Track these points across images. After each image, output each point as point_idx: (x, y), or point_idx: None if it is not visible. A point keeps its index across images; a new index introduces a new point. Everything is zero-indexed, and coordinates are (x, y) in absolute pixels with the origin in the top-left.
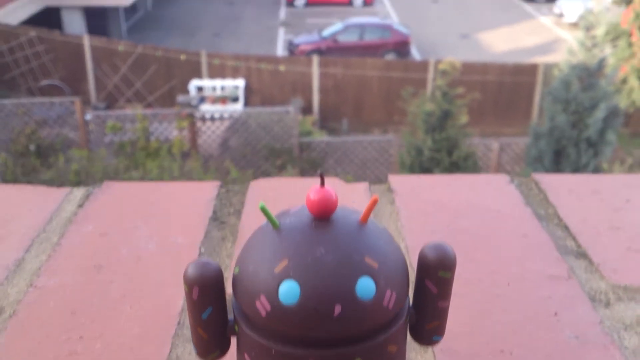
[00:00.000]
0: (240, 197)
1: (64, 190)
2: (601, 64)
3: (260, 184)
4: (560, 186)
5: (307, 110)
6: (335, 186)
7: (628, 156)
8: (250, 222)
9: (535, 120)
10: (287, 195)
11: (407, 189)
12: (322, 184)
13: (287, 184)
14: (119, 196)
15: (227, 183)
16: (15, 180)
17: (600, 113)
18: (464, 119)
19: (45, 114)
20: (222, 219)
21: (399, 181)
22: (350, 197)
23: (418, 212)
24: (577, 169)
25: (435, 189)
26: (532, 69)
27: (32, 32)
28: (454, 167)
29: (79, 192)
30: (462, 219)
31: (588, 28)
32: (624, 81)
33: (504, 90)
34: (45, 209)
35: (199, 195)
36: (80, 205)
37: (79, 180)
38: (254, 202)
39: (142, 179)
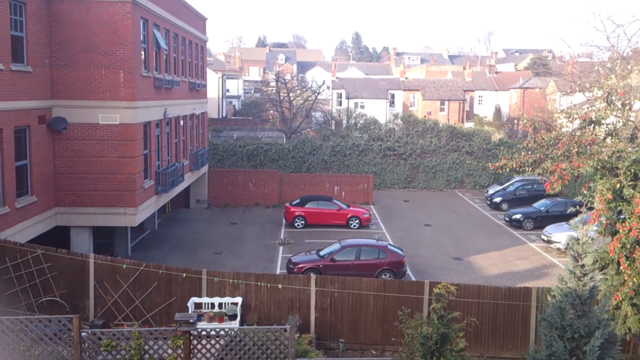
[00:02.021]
0: None
1: None
2: (593, 292)
3: None
4: None
5: (304, 327)
6: None
7: None
8: None
9: (532, 345)
10: None
11: None
12: None
13: None
14: None
15: None
16: None
17: (596, 341)
18: (461, 344)
19: (42, 330)
20: None
21: None
22: None
23: None
24: None
25: None
26: (526, 293)
27: (39, 250)
28: None
29: None
30: None
31: (576, 257)
32: (618, 307)
33: (500, 313)
34: None
35: None
36: None
37: None
38: None
39: None
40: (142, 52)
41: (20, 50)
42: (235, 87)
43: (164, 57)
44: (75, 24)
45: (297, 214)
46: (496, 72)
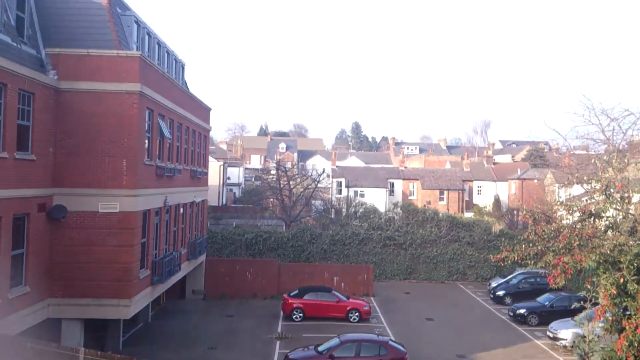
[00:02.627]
0: None
1: None
2: None
3: None
4: None
5: None
6: None
7: None
8: None
9: None
10: None
11: None
12: None
13: None
14: None
15: None
16: None
17: None
18: None
19: None
20: None
21: None
22: None
23: None
24: None
25: None
26: None
27: (29, 344)
28: None
29: None
30: None
31: (583, 357)
32: None
33: None
34: None
35: None
36: None
37: None
38: None
39: None
40: (146, 141)
41: (26, 138)
42: (236, 174)
43: (167, 145)
44: (82, 114)
45: (295, 305)
46: (494, 163)
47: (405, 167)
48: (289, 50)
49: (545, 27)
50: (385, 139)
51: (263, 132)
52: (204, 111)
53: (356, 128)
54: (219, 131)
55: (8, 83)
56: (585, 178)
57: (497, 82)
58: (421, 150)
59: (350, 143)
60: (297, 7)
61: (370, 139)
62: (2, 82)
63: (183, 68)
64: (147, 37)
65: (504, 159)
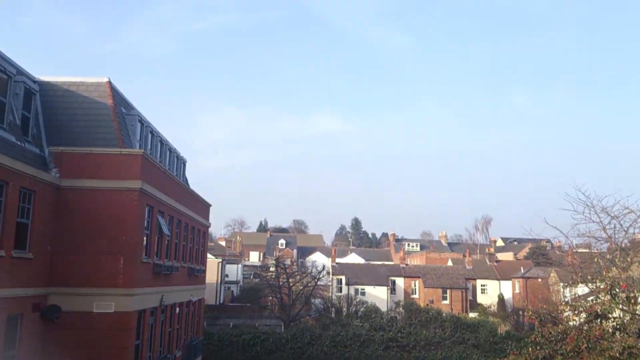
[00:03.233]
0: None
1: None
2: None
3: None
4: None
5: None
6: None
7: None
8: None
9: None
10: None
11: None
12: None
13: None
14: None
15: None
16: None
17: None
18: None
19: None
20: None
21: None
22: None
23: None
24: None
25: None
26: None
27: None
28: None
29: None
30: None
31: None
32: None
33: None
34: None
35: None
36: None
37: None
38: None
39: None
40: (145, 238)
41: (24, 236)
42: (234, 272)
43: (166, 242)
44: (82, 212)
45: None
46: (496, 261)
47: (407, 265)
48: (289, 148)
49: (543, 125)
50: (385, 235)
51: (262, 228)
52: (204, 208)
53: (356, 224)
54: (218, 227)
55: (10, 181)
56: (589, 277)
57: (495, 178)
58: (422, 247)
59: (350, 239)
60: (296, 103)
61: (370, 235)
62: (4, 180)
63: (184, 165)
64: (150, 135)
65: (507, 256)
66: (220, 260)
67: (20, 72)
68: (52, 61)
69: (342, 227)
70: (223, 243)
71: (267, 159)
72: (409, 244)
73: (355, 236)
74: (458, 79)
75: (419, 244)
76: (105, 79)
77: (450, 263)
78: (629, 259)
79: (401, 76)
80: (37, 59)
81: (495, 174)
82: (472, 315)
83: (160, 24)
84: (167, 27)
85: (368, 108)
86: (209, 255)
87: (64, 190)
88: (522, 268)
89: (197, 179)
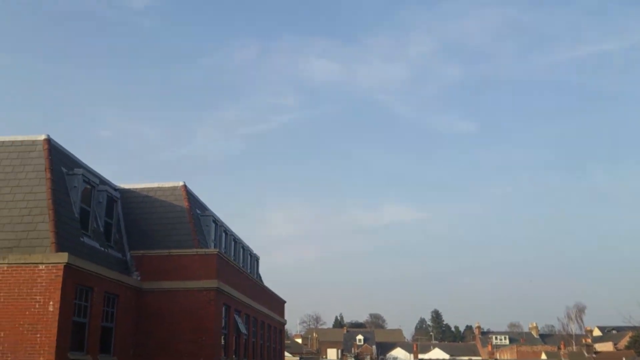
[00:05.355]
0: None
1: None
2: None
3: None
4: None
5: None
6: None
7: None
8: None
9: None
10: None
11: None
12: None
13: None
14: None
15: None
16: None
17: None
18: None
19: None
20: None
21: None
22: None
23: None
24: None
25: None
26: None
27: None
28: None
29: None
30: None
31: None
32: None
33: None
34: None
35: None
36: None
37: None
38: None
39: None
40: (222, 338)
41: (109, 340)
42: None
43: (243, 341)
44: (161, 314)
45: None
46: (595, 352)
47: None
48: (360, 238)
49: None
50: (469, 327)
51: (338, 324)
52: (279, 304)
53: (436, 317)
54: (293, 324)
55: (95, 287)
56: None
57: (585, 262)
58: (511, 340)
59: (431, 333)
60: (364, 193)
61: (452, 328)
62: (89, 285)
63: (257, 262)
64: (223, 234)
65: (606, 346)
66: (298, 358)
67: (102, 181)
68: (130, 168)
69: (422, 321)
70: (299, 340)
71: (338, 251)
72: (496, 337)
73: (437, 330)
74: (530, 162)
75: (507, 336)
76: (181, 183)
77: (544, 356)
78: None
79: (469, 161)
80: (116, 167)
81: (583, 258)
82: None
83: (226, 127)
84: (233, 129)
85: (440, 195)
86: (286, 354)
87: (144, 293)
88: (624, 359)
89: (270, 276)
